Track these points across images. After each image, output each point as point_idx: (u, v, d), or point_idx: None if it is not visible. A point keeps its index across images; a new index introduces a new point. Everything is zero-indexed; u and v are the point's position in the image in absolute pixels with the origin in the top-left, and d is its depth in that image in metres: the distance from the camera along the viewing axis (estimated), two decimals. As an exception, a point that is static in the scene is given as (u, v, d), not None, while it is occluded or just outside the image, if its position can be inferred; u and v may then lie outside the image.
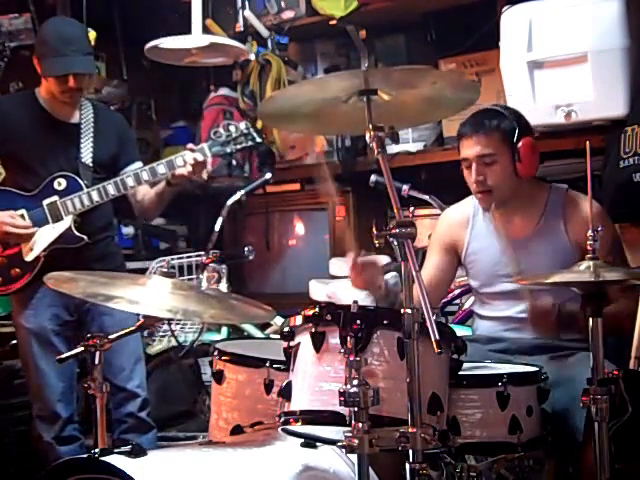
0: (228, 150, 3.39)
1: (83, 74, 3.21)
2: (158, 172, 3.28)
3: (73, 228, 3.22)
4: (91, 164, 3.28)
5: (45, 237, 3.21)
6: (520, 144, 2.65)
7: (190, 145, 3.34)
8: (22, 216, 3.20)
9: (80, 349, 2.23)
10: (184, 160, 3.27)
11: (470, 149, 2.69)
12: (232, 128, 3.40)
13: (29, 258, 3.20)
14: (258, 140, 3.46)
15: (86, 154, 3.28)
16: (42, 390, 3.25)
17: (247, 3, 4.42)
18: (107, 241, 3.40)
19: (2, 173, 3.36)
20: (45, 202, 3.22)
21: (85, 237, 3.23)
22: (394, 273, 3.44)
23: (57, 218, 3.21)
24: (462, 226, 2.86)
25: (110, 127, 3.40)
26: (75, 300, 3.09)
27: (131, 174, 3.29)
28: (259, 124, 4.36)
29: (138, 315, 2.32)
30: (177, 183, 3.32)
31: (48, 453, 3.26)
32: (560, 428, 2.36)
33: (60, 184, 3.23)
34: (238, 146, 3.41)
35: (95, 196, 3.23)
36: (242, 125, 3.44)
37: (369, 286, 2.59)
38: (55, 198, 3.22)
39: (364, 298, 3.36)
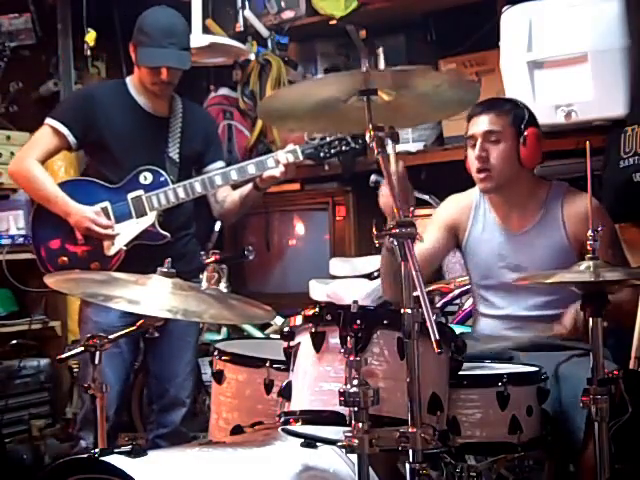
0: (321, 154, 3.31)
1: (176, 69, 3.15)
2: (248, 172, 3.22)
3: (157, 225, 3.16)
4: (178, 159, 3.22)
5: (128, 232, 3.15)
6: (527, 131, 2.71)
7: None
8: (105, 209, 3.15)
9: (80, 349, 2.23)
10: (276, 160, 3.20)
11: (478, 125, 2.73)
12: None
13: (110, 252, 3.14)
14: (353, 145, 3.35)
15: (173, 149, 3.22)
16: None
17: (247, 3, 4.42)
18: (187, 239, 3.32)
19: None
20: (130, 196, 3.16)
21: (168, 235, 3.17)
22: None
23: (141, 213, 3.16)
24: (466, 211, 2.88)
25: (198, 123, 3.34)
26: None
27: (219, 172, 3.22)
28: (259, 123, 4.38)
29: None
30: (265, 187, 3.26)
31: None
32: (561, 428, 2.36)
33: (146, 178, 3.17)
34: (332, 150, 3.32)
35: (181, 193, 3.17)
36: None
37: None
38: (140, 192, 3.16)
39: (364, 298, 3.38)
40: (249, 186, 3.29)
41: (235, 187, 3.39)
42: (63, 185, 3.21)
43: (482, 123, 2.72)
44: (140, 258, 3.02)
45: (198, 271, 3.35)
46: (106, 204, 3.16)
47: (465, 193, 2.94)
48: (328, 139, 3.32)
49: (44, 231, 3.21)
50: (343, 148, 3.36)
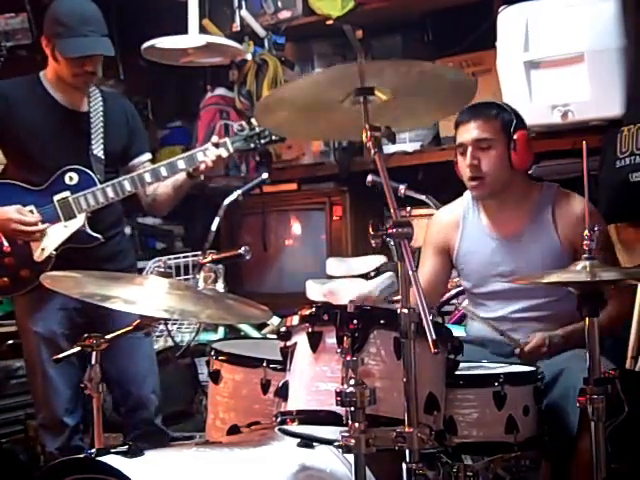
0: (252, 145, 3.22)
1: (100, 57, 3.00)
2: (178, 167, 3.10)
3: (87, 227, 3.02)
4: (103, 157, 3.06)
5: (57, 236, 3.00)
6: (517, 135, 2.69)
7: (214, 139, 3.17)
8: (31, 212, 2.99)
9: (77, 349, 2.22)
10: (205, 155, 3.10)
11: (468, 133, 2.71)
12: (256, 122, 3.20)
13: (40, 258, 2.98)
14: (283, 135, 3.24)
15: (97, 146, 3.06)
16: (49, 398, 3.04)
17: (244, 3, 4.42)
18: (118, 238, 3.20)
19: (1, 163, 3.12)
20: (56, 198, 3.00)
21: (100, 237, 3.04)
22: (390, 273, 3.46)
23: (69, 216, 3.00)
24: (453, 228, 2.88)
25: (120, 116, 3.19)
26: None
27: (149, 170, 3.10)
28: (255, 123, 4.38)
29: None
30: (198, 175, 3.14)
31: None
32: (553, 423, 2.37)
33: (72, 179, 3.01)
34: (262, 140, 3.23)
35: (110, 192, 3.02)
36: None
37: None
38: (67, 194, 3.01)
39: (361, 298, 3.37)
40: (182, 176, 3.15)
41: None
42: None
43: (471, 130, 2.70)
44: (72, 261, 2.83)
45: (131, 269, 3.21)
46: (31, 208, 3.00)
47: (450, 206, 2.95)
48: (257, 129, 3.22)
49: None
50: (273, 137, 3.26)
